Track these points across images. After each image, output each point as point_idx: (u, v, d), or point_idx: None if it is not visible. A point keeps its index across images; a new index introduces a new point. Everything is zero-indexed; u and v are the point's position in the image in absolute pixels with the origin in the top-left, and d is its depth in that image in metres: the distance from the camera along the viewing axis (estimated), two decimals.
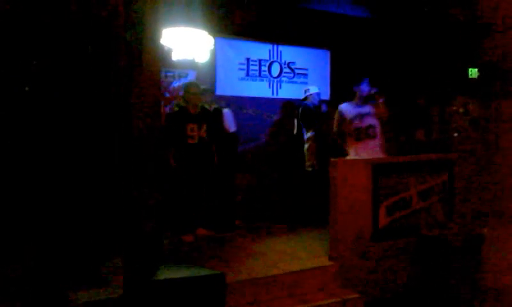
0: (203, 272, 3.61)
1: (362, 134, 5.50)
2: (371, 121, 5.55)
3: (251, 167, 7.11)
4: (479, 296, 4.59)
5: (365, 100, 5.64)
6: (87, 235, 3.89)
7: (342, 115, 5.63)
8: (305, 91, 6.89)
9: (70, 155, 3.95)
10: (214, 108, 6.00)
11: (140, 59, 4.37)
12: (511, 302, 4.38)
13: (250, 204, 6.95)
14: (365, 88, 5.62)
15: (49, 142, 3.91)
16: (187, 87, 5.65)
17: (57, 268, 3.70)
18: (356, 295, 4.42)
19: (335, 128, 5.73)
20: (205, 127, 5.57)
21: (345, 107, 5.66)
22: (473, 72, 7.75)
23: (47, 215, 3.81)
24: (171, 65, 6.12)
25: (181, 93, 5.92)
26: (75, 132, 3.98)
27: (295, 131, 6.98)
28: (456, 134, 7.19)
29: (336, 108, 5.80)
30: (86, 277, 3.72)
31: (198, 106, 5.61)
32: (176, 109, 5.62)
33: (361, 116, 5.54)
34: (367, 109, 5.63)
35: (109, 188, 4.00)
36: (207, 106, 5.80)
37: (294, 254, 4.93)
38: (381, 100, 5.58)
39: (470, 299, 4.61)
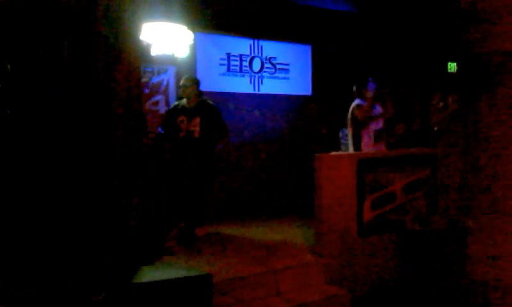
0: (190, 272, 3.52)
1: (379, 137, 5.49)
2: (381, 123, 5.54)
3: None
4: (464, 288, 4.61)
5: (374, 100, 5.58)
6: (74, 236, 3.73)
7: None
8: None
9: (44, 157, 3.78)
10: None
11: (119, 55, 4.23)
12: (493, 292, 4.41)
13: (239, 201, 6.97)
14: (371, 87, 5.53)
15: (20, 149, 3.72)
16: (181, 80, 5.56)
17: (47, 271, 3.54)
18: (342, 291, 4.39)
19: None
20: (197, 121, 5.34)
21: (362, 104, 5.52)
22: (452, 66, 7.85)
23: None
24: (150, 61, 5.97)
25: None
26: (44, 134, 3.79)
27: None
28: (436, 128, 7.24)
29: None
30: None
31: (196, 100, 5.42)
32: (177, 103, 5.60)
33: (377, 118, 5.49)
34: (378, 110, 5.57)
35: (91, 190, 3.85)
36: (210, 102, 5.55)
37: (279, 250, 4.87)
38: (388, 101, 5.55)
39: (455, 291, 4.63)
